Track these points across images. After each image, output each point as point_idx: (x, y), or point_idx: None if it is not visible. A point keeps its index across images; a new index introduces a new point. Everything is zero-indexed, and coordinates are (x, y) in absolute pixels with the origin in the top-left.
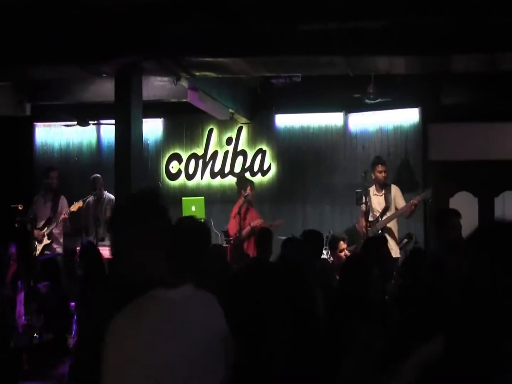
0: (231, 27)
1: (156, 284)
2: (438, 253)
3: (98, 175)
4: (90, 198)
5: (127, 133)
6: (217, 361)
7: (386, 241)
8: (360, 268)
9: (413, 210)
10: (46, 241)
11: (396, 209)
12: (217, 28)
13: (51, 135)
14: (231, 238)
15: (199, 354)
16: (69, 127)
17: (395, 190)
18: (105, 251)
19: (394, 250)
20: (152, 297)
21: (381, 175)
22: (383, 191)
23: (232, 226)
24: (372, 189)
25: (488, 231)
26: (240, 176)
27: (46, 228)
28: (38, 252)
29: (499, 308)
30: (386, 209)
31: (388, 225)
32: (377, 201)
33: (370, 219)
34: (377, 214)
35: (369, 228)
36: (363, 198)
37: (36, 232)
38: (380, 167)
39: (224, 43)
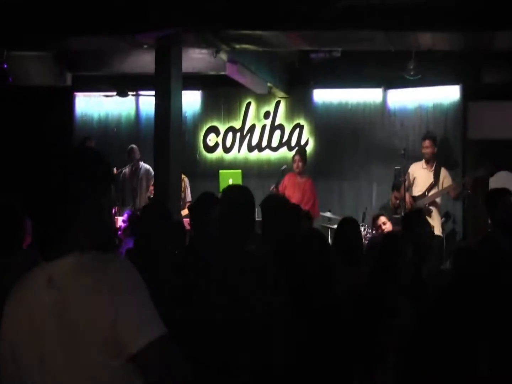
0: (266, 4)
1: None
2: (491, 233)
3: (134, 145)
4: (127, 169)
5: (167, 106)
6: (88, 344)
7: (422, 215)
8: (392, 247)
9: (462, 191)
10: None
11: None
12: (254, 2)
13: (91, 105)
14: None
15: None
16: (109, 98)
17: (444, 172)
18: None
19: (437, 227)
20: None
21: (424, 151)
22: (433, 168)
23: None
24: (421, 164)
25: None
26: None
27: None
28: None
29: None
30: (433, 186)
31: (432, 202)
32: (425, 175)
33: (415, 194)
34: (424, 189)
35: (414, 203)
36: (402, 175)
37: None
38: (424, 143)
39: (263, 16)
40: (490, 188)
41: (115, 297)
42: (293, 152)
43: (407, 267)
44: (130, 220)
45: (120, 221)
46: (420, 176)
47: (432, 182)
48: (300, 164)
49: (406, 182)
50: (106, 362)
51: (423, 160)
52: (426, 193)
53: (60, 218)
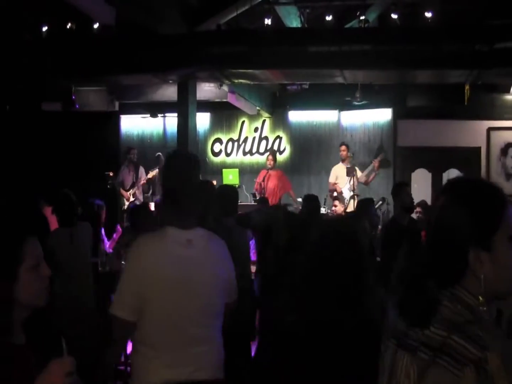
0: (259, 49)
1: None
2: (396, 213)
3: (161, 153)
4: (156, 170)
5: (186, 124)
6: (214, 287)
7: (373, 201)
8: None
9: (374, 173)
10: (131, 198)
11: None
12: (250, 50)
13: (132, 124)
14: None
15: (198, 278)
16: (144, 119)
17: (356, 168)
18: None
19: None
20: (163, 231)
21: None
22: (347, 166)
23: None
24: (340, 164)
25: (456, 184)
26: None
27: (131, 190)
28: (126, 207)
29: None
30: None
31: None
32: (343, 172)
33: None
34: (345, 182)
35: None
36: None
37: (124, 193)
38: (341, 147)
39: (255, 60)
40: (397, 181)
41: (229, 262)
42: (277, 156)
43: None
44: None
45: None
46: (341, 174)
47: (349, 178)
48: (272, 162)
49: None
50: (222, 301)
51: (341, 161)
52: (349, 185)
53: (199, 206)
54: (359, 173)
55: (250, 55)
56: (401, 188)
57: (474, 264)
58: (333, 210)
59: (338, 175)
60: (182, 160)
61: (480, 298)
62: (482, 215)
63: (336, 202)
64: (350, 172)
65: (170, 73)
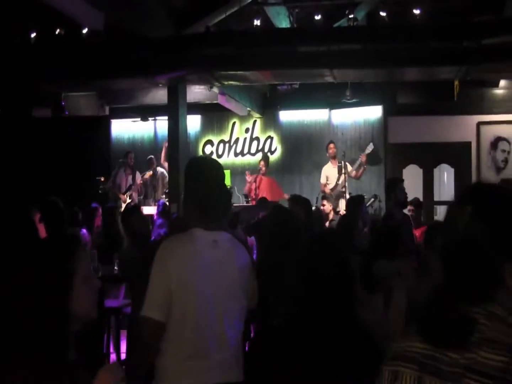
0: (249, 50)
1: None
2: (390, 209)
3: (152, 156)
4: (147, 173)
5: (176, 126)
6: (239, 290)
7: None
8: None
9: (363, 168)
10: (128, 200)
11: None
12: (239, 51)
13: (122, 128)
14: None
15: (224, 279)
16: (135, 122)
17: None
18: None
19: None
20: (190, 233)
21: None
22: (337, 164)
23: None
24: (329, 164)
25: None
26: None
27: (128, 192)
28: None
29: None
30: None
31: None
32: (333, 170)
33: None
34: (335, 181)
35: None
36: (342, 169)
37: (121, 196)
38: (329, 146)
39: (244, 61)
40: (391, 177)
41: (252, 266)
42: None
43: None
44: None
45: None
46: (331, 173)
47: (337, 175)
48: (264, 168)
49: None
50: (245, 304)
51: (330, 161)
52: (338, 182)
53: (222, 210)
54: (349, 168)
55: (239, 56)
56: (395, 184)
57: (510, 279)
58: (322, 210)
59: (328, 174)
60: (208, 164)
61: None
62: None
63: (324, 201)
64: (340, 170)
65: (159, 77)
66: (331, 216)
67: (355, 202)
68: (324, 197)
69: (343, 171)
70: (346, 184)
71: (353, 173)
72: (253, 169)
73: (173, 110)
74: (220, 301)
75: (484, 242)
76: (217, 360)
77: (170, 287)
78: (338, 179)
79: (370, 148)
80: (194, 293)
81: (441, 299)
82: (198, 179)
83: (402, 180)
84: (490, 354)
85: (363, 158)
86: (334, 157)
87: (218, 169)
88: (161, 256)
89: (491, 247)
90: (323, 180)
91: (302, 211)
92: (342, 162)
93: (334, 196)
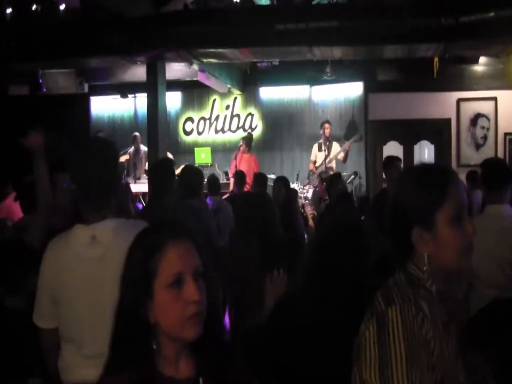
0: (226, 28)
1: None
2: (386, 187)
3: (138, 133)
4: (131, 150)
5: (155, 104)
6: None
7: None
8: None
9: (346, 154)
10: None
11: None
12: (217, 29)
13: (102, 106)
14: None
15: (105, 277)
16: (114, 100)
17: (335, 144)
18: (142, 186)
19: None
20: (69, 232)
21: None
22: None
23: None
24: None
25: (408, 170)
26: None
27: None
28: None
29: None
30: (327, 156)
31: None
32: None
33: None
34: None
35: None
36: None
37: None
38: (325, 125)
39: (222, 38)
40: (386, 155)
41: None
42: (248, 132)
43: None
44: None
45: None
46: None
47: (326, 154)
48: (245, 148)
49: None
50: None
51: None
52: (323, 163)
53: (108, 194)
54: (335, 148)
55: (217, 34)
56: (391, 163)
57: (417, 243)
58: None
59: (317, 153)
60: (89, 147)
61: (425, 272)
62: (422, 196)
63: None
64: (320, 148)
65: (137, 55)
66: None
67: (331, 180)
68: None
69: (323, 149)
70: (332, 165)
71: (341, 156)
72: (235, 148)
73: (152, 88)
74: (100, 300)
75: (399, 211)
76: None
77: (51, 292)
78: (325, 158)
79: (356, 137)
80: (73, 294)
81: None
82: (77, 166)
83: (399, 160)
84: (377, 295)
85: (346, 146)
86: (328, 139)
87: (110, 153)
88: (43, 260)
89: (404, 215)
90: (312, 157)
91: (283, 189)
92: (328, 143)
93: (317, 174)
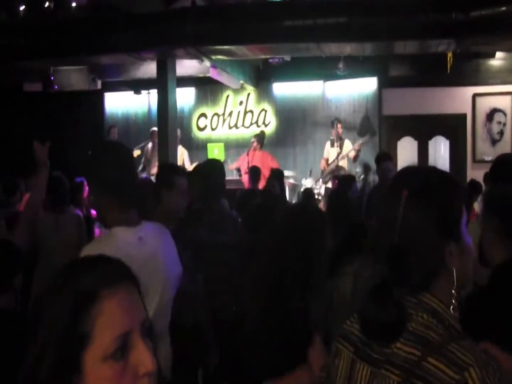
0: (233, 25)
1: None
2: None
3: (155, 128)
4: (149, 145)
5: (165, 101)
6: (170, 281)
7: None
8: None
9: (357, 153)
10: None
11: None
12: (224, 26)
13: (116, 102)
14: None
15: (156, 275)
16: (128, 96)
17: (347, 142)
18: None
19: None
20: (111, 234)
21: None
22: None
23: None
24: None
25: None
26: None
27: None
28: None
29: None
30: (339, 154)
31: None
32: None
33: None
34: (334, 157)
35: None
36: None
37: None
38: (338, 125)
39: (229, 36)
40: (378, 152)
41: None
42: (260, 128)
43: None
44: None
45: None
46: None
47: (338, 152)
48: (257, 145)
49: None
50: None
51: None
52: (335, 160)
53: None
54: (348, 146)
55: (224, 31)
56: (379, 162)
57: (449, 259)
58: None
59: (330, 150)
60: (122, 149)
61: (453, 301)
62: (450, 207)
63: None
64: (332, 144)
65: (145, 52)
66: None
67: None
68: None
69: (335, 146)
70: (343, 163)
71: (352, 154)
72: (248, 144)
73: (162, 85)
74: (152, 299)
75: (423, 229)
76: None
77: None
78: (337, 156)
79: (365, 138)
80: None
81: (381, 290)
82: (116, 167)
83: (390, 158)
84: (407, 347)
85: (357, 146)
86: (340, 137)
87: (131, 154)
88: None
89: (430, 232)
90: (325, 154)
91: (277, 184)
92: (340, 141)
93: (329, 171)
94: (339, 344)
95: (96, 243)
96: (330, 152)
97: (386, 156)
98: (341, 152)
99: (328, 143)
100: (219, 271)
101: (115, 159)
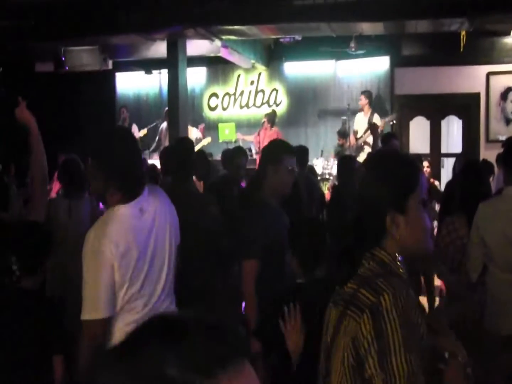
0: (243, 4)
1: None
2: None
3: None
4: (163, 124)
5: (176, 81)
6: (173, 258)
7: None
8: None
9: (377, 131)
10: None
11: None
12: (234, 6)
13: (127, 82)
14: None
15: (157, 250)
16: (140, 76)
17: (376, 116)
18: None
19: None
20: (112, 211)
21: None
22: (368, 115)
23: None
24: (361, 113)
25: (377, 157)
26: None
27: None
28: None
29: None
30: (367, 129)
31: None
32: (362, 121)
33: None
34: (362, 132)
35: (355, 142)
36: (347, 123)
37: None
38: (360, 97)
39: (240, 16)
40: (386, 132)
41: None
42: (272, 108)
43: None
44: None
45: None
46: (360, 122)
47: (367, 127)
48: (268, 124)
49: (351, 128)
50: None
51: (363, 111)
52: (362, 135)
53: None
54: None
55: (234, 11)
56: (386, 143)
57: (391, 226)
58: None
59: (358, 124)
60: (127, 134)
61: (397, 256)
62: (398, 181)
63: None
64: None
65: (156, 33)
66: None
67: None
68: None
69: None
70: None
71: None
72: (259, 124)
73: (173, 65)
74: (158, 268)
75: (373, 196)
76: None
77: (114, 277)
78: (365, 131)
79: (391, 118)
80: (133, 266)
81: (342, 253)
82: (122, 152)
83: (396, 138)
84: (350, 285)
85: (383, 124)
86: (362, 109)
87: (135, 139)
88: (95, 246)
89: (377, 200)
90: (355, 126)
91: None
92: (369, 114)
93: (355, 148)
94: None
95: (101, 222)
96: (359, 128)
97: (393, 135)
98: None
99: (359, 117)
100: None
101: (122, 148)
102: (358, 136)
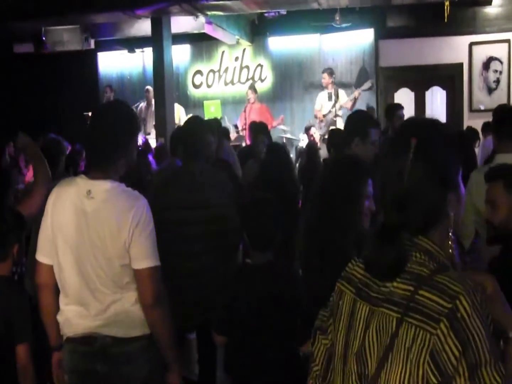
0: None
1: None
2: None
3: (150, 87)
4: (143, 104)
5: (161, 58)
6: (112, 246)
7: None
8: None
9: (354, 102)
10: None
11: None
12: None
13: (110, 61)
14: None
15: (94, 232)
16: (122, 55)
17: (341, 92)
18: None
19: None
20: (72, 179)
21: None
22: (332, 91)
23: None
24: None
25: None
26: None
27: None
28: None
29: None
30: (334, 104)
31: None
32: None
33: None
34: (330, 108)
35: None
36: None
37: None
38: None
39: None
40: (389, 103)
41: (134, 224)
42: (259, 84)
43: None
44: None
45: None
46: (322, 98)
47: (333, 103)
48: (252, 96)
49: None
50: (124, 263)
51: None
52: (331, 110)
53: (109, 153)
54: (343, 97)
55: None
56: (392, 112)
57: (449, 207)
58: (310, 136)
59: (322, 102)
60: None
61: (449, 243)
62: (452, 159)
63: (312, 130)
64: (330, 97)
65: (140, 10)
66: (319, 144)
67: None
68: (310, 125)
69: (333, 98)
70: (340, 113)
71: (348, 104)
72: (244, 100)
73: (158, 43)
74: (90, 253)
75: (429, 177)
76: (95, 311)
77: (50, 234)
78: (332, 106)
79: (367, 85)
80: (66, 241)
81: (384, 232)
82: (90, 125)
83: (402, 107)
84: (400, 284)
85: (356, 93)
86: (326, 86)
87: (106, 112)
88: (48, 200)
89: (435, 182)
90: (317, 106)
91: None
92: (333, 90)
93: (325, 122)
94: (342, 286)
95: (62, 183)
96: (324, 104)
97: (399, 105)
98: (338, 101)
99: (324, 95)
100: (193, 229)
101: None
102: (325, 112)
